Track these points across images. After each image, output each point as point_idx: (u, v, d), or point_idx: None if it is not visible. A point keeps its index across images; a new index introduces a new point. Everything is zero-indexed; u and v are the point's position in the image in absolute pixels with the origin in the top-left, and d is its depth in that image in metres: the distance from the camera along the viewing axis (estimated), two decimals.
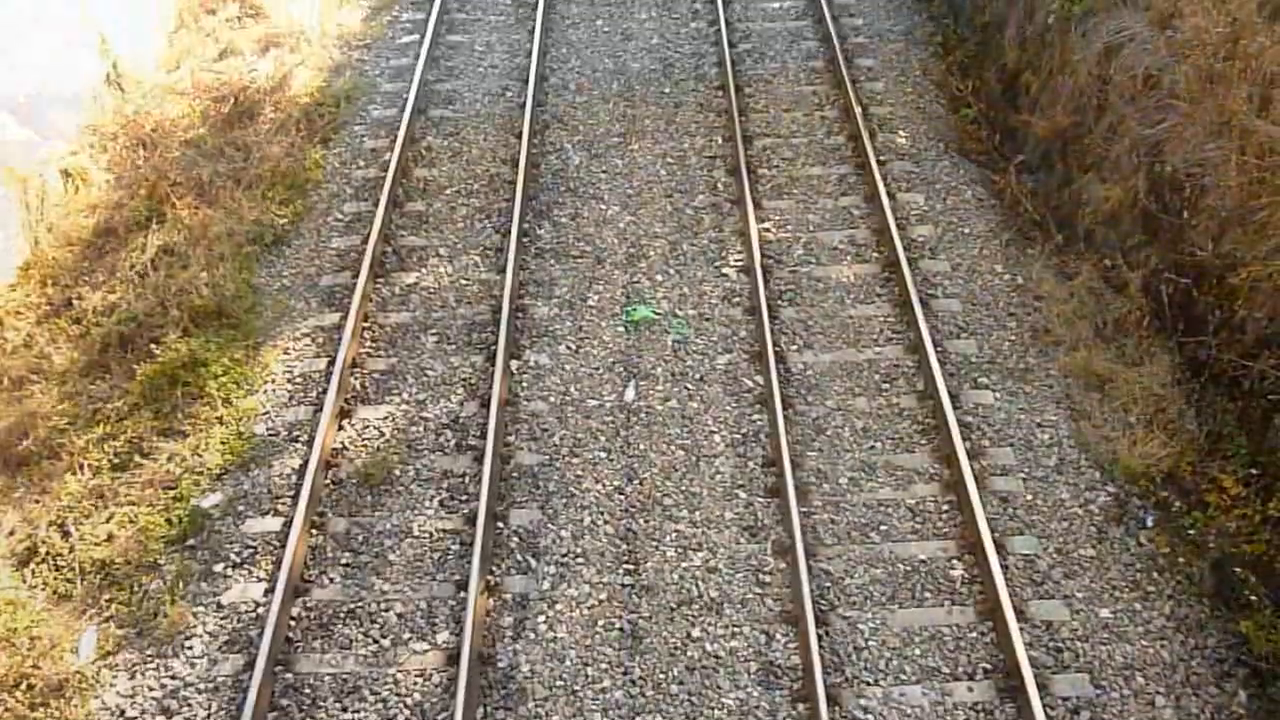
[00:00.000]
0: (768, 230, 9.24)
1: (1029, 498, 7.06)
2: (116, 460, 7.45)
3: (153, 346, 8.14)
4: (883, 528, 6.92)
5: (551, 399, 7.88)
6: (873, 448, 7.44)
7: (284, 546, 6.76)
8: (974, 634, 6.31)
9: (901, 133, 10.34)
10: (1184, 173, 7.57)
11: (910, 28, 11.92)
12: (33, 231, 9.01)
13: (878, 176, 9.44)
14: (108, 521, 7.04)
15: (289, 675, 6.21)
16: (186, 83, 10.95)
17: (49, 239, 9.10)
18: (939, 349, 8.04)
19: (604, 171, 10.06)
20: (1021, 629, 6.19)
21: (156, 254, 8.91)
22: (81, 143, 9.78)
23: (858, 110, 10.25)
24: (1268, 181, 6.92)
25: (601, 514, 7.06)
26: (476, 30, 12.13)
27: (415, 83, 10.88)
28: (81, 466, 7.39)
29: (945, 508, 7.03)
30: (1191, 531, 6.78)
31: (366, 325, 8.52)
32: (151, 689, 6.18)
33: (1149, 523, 6.86)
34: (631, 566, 6.73)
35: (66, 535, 6.98)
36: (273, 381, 8.09)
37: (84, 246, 9.09)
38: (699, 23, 12.09)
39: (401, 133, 10.17)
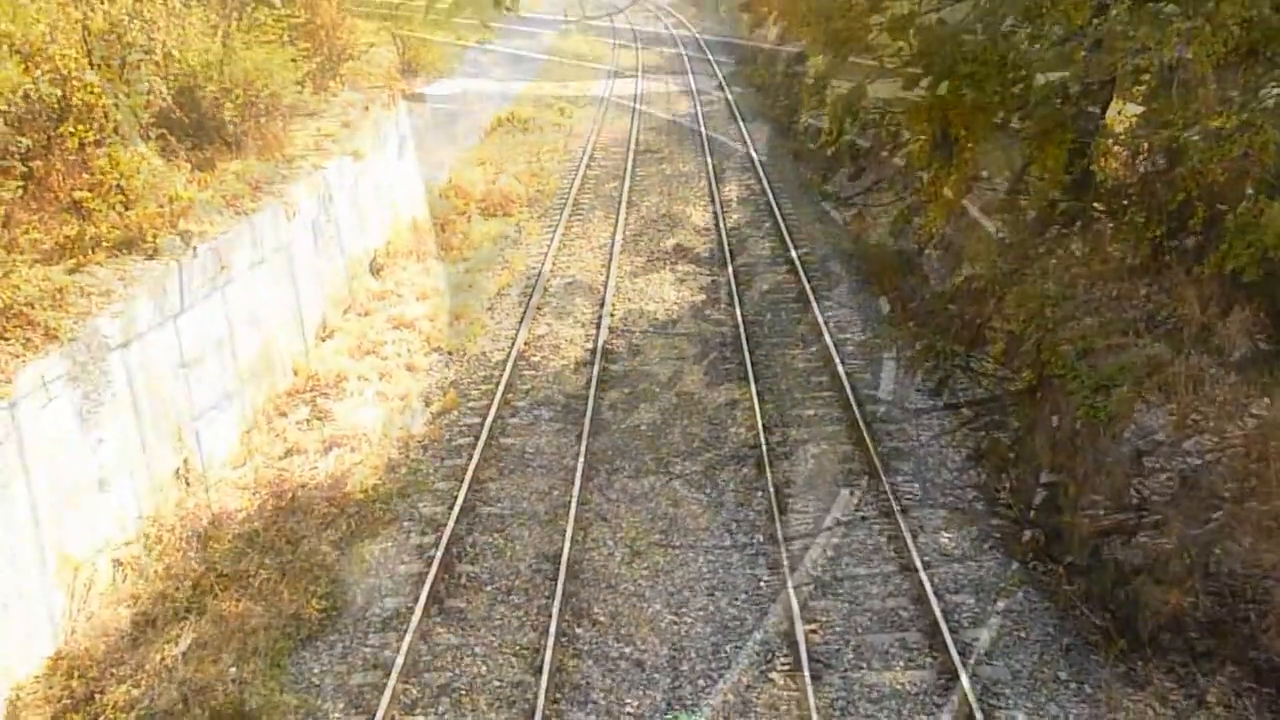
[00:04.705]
0: (814, 632, 8.92)
1: None
2: None
3: None
4: None
5: None
6: None
7: None
8: None
9: (944, 534, 10.33)
10: (1243, 575, 7.35)
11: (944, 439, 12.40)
12: (71, 620, 9.00)
13: (924, 578, 9.28)
14: None
15: None
16: (250, 478, 11.53)
17: (85, 628, 9.05)
18: None
19: (646, 569, 10.02)
20: None
21: (190, 647, 8.78)
22: (140, 532, 10.09)
23: (897, 509, 10.35)
24: None
25: None
26: (527, 434, 12.83)
27: (466, 481, 11.32)
28: None
29: None
30: None
31: None
32: None
33: None
34: None
35: None
36: None
37: (119, 637, 9.00)
38: (738, 428, 12.70)
39: (448, 529, 10.38)
